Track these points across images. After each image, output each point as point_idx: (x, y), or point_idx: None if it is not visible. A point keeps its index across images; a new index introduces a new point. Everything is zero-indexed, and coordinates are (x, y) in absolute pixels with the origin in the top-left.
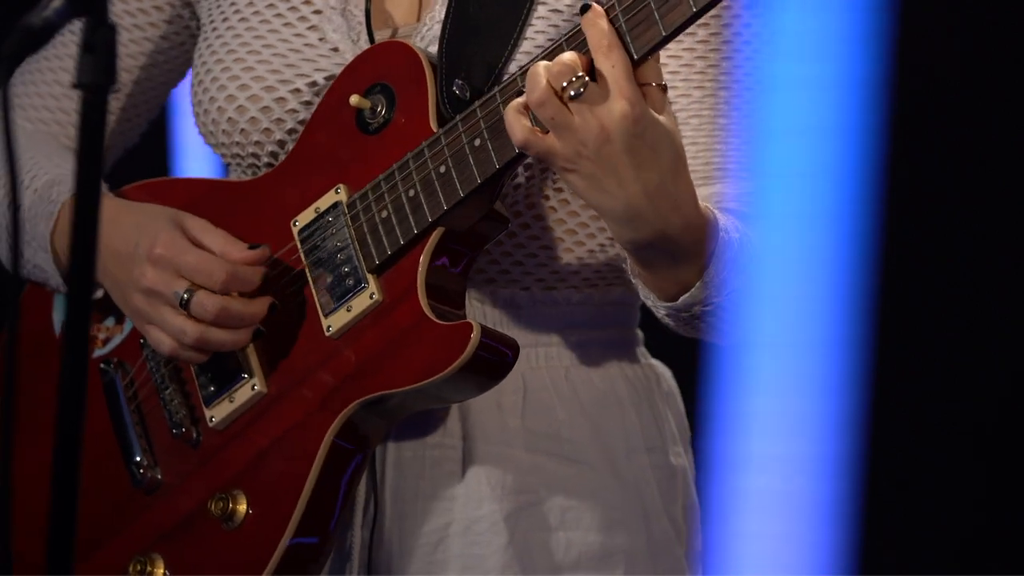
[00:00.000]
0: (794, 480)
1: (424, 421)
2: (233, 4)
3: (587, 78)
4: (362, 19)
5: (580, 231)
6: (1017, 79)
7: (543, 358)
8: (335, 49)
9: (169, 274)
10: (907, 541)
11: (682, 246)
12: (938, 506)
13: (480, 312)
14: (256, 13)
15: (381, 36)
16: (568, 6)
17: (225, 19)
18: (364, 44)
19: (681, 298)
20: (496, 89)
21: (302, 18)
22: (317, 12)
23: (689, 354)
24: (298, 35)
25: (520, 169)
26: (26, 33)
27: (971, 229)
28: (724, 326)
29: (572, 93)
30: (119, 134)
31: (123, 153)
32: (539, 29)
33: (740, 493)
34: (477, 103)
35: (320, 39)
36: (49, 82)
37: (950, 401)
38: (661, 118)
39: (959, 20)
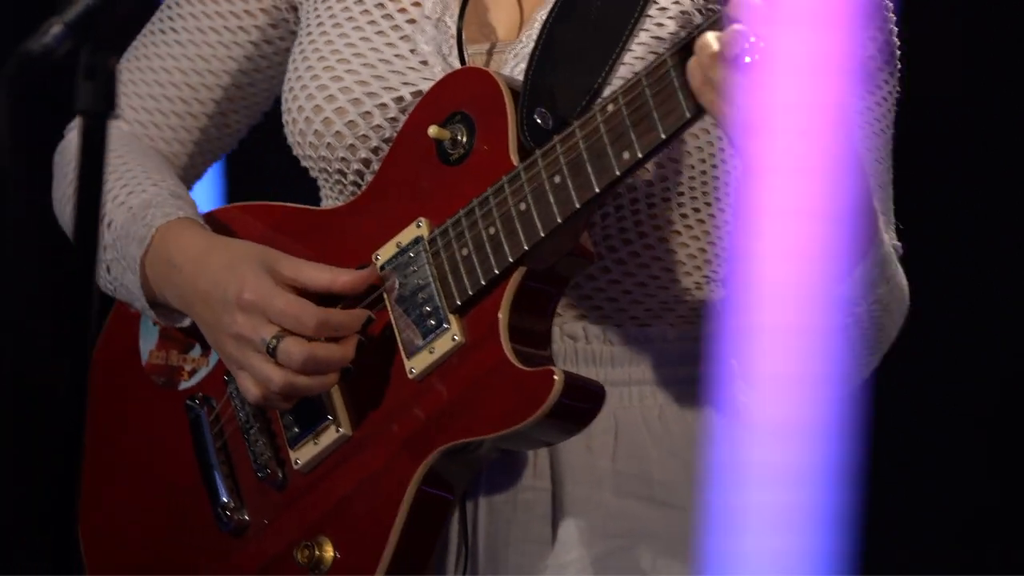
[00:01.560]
0: (795, 487)
1: (515, 462)
2: (330, 9)
3: (762, 44)
4: (455, 32)
5: (677, 268)
6: (1017, 81)
7: (636, 397)
8: (424, 62)
9: (258, 320)
10: (908, 543)
11: (857, 216)
12: (940, 507)
13: (571, 349)
14: (351, 19)
15: (475, 51)
16: (671, 34)
17: (320, 24)
18: (454, 59)
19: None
20: (576, 124)
21: (396, 27)
22: (411, 22)
23: None
24: (390, 44)
25: (615, 204)
26: (25, 59)
27: (971, 229)
28: (861, 343)
29: (747, 60)
30: (217, 139)
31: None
32: (638, 55)
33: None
34: (557, 138)
35: (411, 50)
36: (146, 74)
37: (952, 401)
38: None
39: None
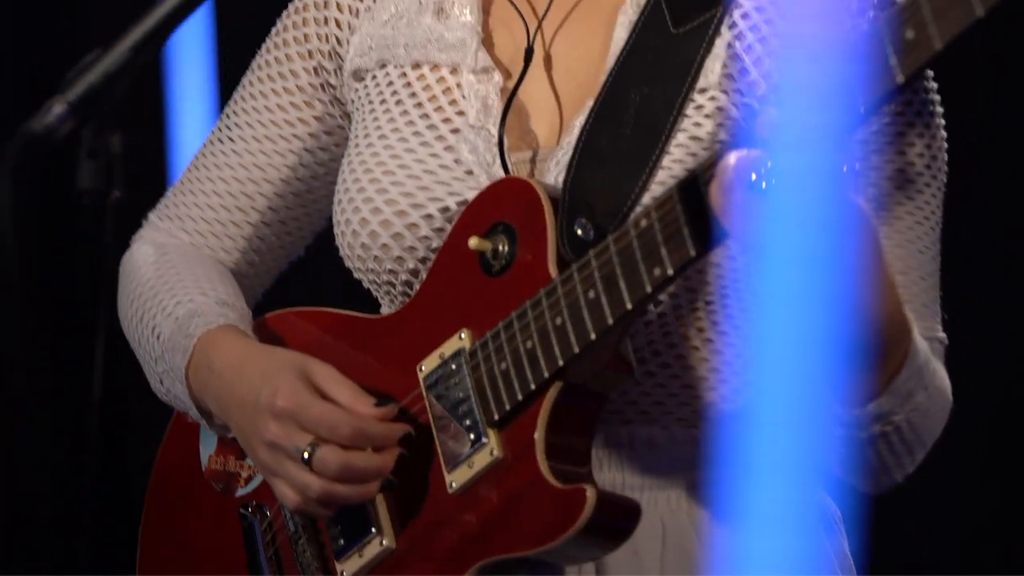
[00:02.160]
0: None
1: (561, 568)
2: (376, 121)
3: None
4: (497, 140)
5: (724, 369)
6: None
7: (683, 500)
8: (469, 172)
9: (292, 427)
10: (913, 543)
11: (884, 337)
12: (945, 508)
13: (615, 455)
14: (396, 130)
15: (518, 159)
16: (710, 134)
17: (367, 136)
18: (497, 168)
19: (871, 404)
20: (611, 238)
21: (440, 137)
22: (455, 131)
23: None
24: (434, 155)
25: (659, 306)
26: (28, 140)
27: (973, 230)
28: (901, 448)
29: (763, 186)
30: (279, 247)
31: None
32: (676, 158)
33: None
34: (592, 252)
35: (455, 161)
36: (204, 184)
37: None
38: None
39: None
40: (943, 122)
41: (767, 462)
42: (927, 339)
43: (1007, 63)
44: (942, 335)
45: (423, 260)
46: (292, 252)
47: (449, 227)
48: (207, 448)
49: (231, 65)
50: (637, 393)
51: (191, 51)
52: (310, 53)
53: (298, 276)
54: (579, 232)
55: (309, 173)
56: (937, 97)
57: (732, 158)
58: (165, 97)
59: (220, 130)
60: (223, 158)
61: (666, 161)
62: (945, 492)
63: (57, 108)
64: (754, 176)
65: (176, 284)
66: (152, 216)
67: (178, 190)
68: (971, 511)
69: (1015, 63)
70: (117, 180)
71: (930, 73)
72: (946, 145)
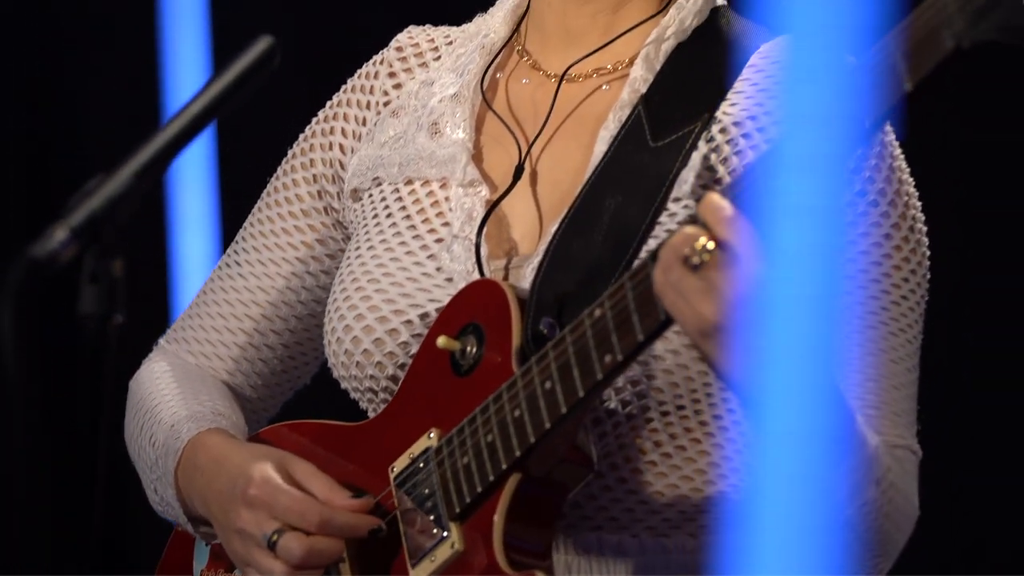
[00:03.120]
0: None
1: None
2: (367, 234)
3: (711, 246)
4: (475, 247)
5: (697, 477)
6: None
7: None
8: (449, 279)
9: (262, 515)
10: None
11: None
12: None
13: (585, 561)
14: (383, 241)
15: (495, 266)
16: None
17: (358, 248)
18: (475, 274)
19: None
20: (566, 330)
21: (424, 247)
22: (439, 241)
23: None
24: (417, 263)
25: (628, 412)
26: (30, 265)
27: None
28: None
29: (696, 262)
30: (282, 371)
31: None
32: None
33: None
34: (550, 344)
35: (437, 268)
36: (211, 307)
37: (963, 400)
38: None
39: None
40: (926, 240)
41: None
42: (899, 447)
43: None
44: (916, 446)
45: (402, 366)
46: (297, 379)
47: None
48: (199, 562)
49: (233, 191)
50: (607, 499)
51: (193, 176)
52: (315, 178)
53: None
54: (544, 331)
55: (312, 297)
56: (920, 213)
57: (672, 238)
58: (167, 222)
59: (229, 255)
60: (229, 282)
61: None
62: (952, 492)
63: (59, 234)
64: (687, 252)
65: (175, 398)
66: (161, 340)
67: (186, 314)
68: (976, 511)
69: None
70: (119, 304)
71: (913, 191)
72: (928, 260)
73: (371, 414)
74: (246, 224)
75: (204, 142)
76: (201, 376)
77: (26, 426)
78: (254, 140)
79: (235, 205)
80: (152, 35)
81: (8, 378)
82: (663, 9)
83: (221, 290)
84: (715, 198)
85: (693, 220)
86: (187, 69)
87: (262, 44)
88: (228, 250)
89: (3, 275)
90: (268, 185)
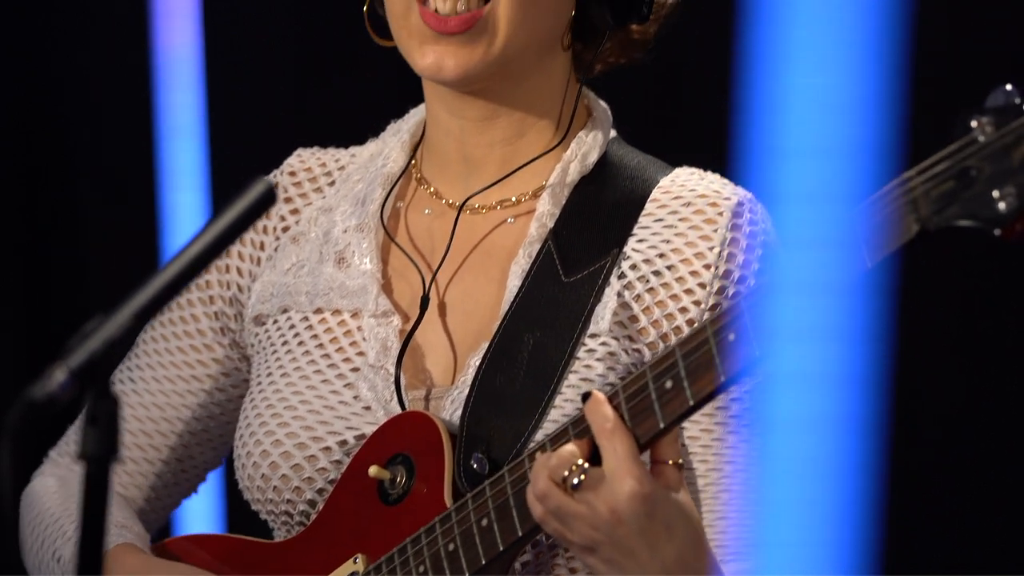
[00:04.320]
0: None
1: None
2: (278, 360)
3: (586, 465)
4: (395, 378)
5: None
6: None
7: None
8: (367, 408)
9: None
10: (928, 542)
11: None
12: (960, 507)
13: None
14: (297, 369)
15: (414, 396)
16: (600, 375)
17: (269, 374)
18: (394, 404)
19: None
20: (505, 469)
21: (340, 375)
22: (355, 370)
23: None
24: (334, 392)
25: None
26: (29, 407)
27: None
28: None
29: (574, 482)
30: (174, 484)
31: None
32: (568, 398)
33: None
34: (487, 482)
35: (354, 397)
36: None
37: (970, 399)
38: (674, 494)
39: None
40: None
41: None
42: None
43: None
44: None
45: (320, 491)
46: (188, 490)
47: (347, 460)
48: None
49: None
50: None
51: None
52: (211, 299)
53: None
54: (475, 466)
55: (206, 413)
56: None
57: (543, 457)
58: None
59: (122, 371)
60: (123, 398)
61: (558, 401)
62: (965, 493)
63: (59, 375)
64: (565, 473)
65: (76, 512)
66: (52, 453)
67: (76, 428)
68: (984, 512)
69: None
70: (119, 446)
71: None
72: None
73: (284, 536)
74: (139, 343)
75: (197, 144)
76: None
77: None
78: (248, 140)
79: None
80: (146, 35)
81: (4, 520)
82: (562, 141)
83: (128, 405)
84: (601, 403)
85: (575, 423)
86: (182, 69)
87: (259, 187)
88: (121, 369)
89: (2, 416)
90: (163, 310)
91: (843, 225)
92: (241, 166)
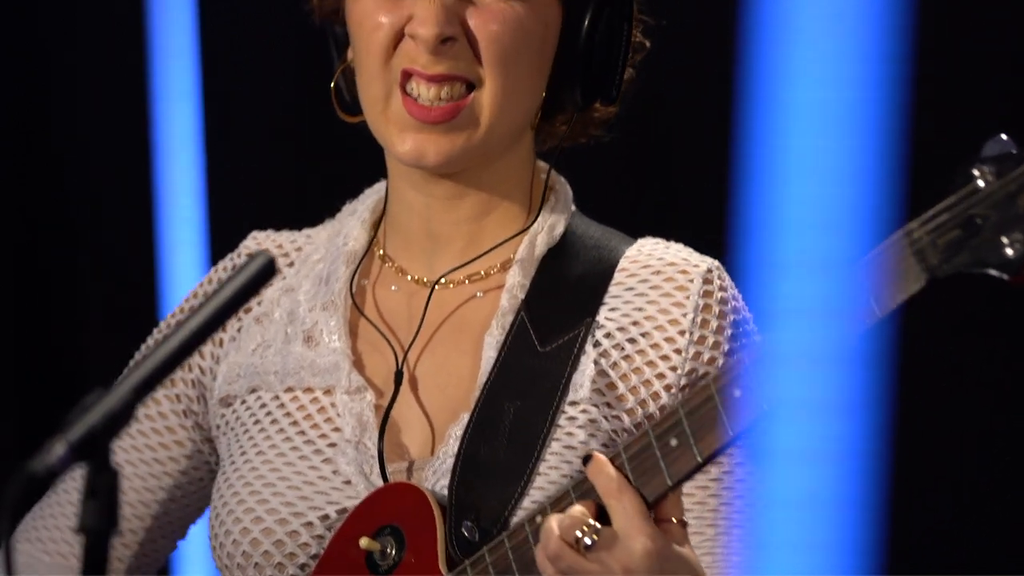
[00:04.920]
0: (818, 477)
1: None
2: (252, 439)
3: (598, 525)
4: (375, 452)
5: None
6: None
7: None
8: (348, 482)
9: None
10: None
11: None
12: (965, 506)
13: None
14: (273, 447)
15: (395, 469)
16: (582, 442)
17: (243, 452)
18: (376, 477)
19: None
20: (504, 535)
21: (317, 451)
22: (332, 445)
23: None
24: (312, 467)
25: None
26: (29, 480)
27: None
28: None
29: (587, 543)
30: (136, 567)
31: None
32: (552, 465)
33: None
34: (486, 548)
35: (333, 472)
36: (64, 507)
37: (976, 399)
38: (683, 550)
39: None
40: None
41: None
42: None
43: None
44: None
45: (303, 567)
46: (156, 563)
47: (329, 534)
48: None
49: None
50: None
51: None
52: (172, 382)
53: None
54: (465, 534)
55: (167, 496)
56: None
57: (554, 520)
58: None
59: None
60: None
61: (542, 468)
62: (970, 492)
63: (58, 448)
64: (578, 534)
65: None
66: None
67: (36, 515)
68: (991, 512)
69: None
70: (117, 519)
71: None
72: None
73: None
74: None
75: (192, 144)
76: (63, 571)
77: None
78: (246, 142)
79: (225, 205)
80: (141, 36)
81: None
82: (527, 218)
83: (76, 490)
84: (605, 465)
85: (576, 486)
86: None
87: (259, 260)
88: None
89: (1, 489)
90: None
91: (849, 280)
92: (239, 173)
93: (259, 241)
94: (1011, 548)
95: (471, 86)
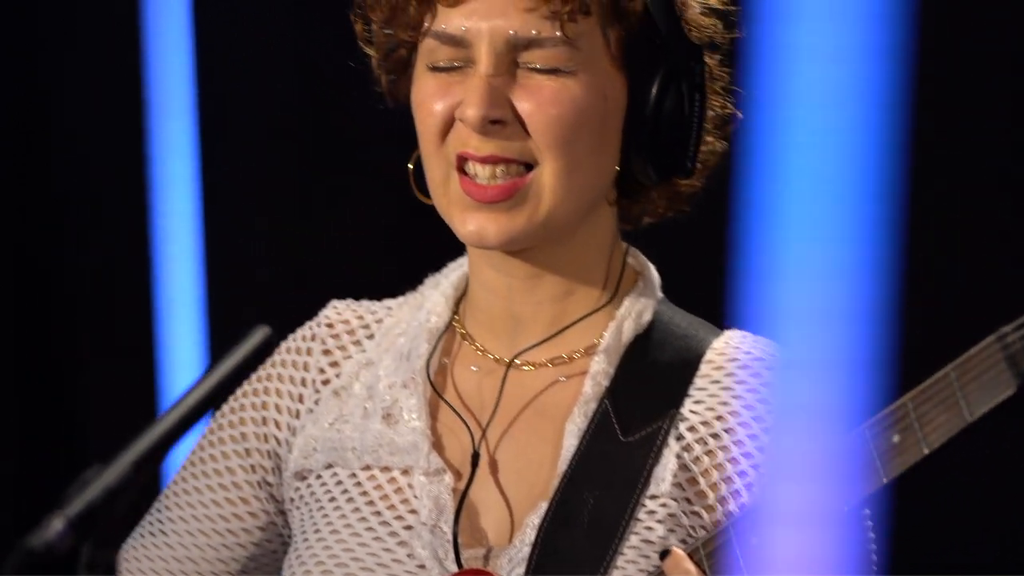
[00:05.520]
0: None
1: None
2: (326, 516)
3: None
4: (451, 537)
5: None
6: None
7: None
8: (422, 566)
9: None
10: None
11: None
12: (965, 506)
13: None
14: (348, 526)
15: (470, 555)
16: (661, 538)
17: (317, 530)
18: (451, 563)
19: None
20: None
21: (392, 533)
22: (408, 528)
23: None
24: (387, 550)
25: None
26: (27, 556)
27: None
28: None
29: None
30: None
31: None
32: (630, 559)
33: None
34: None
35: (408, 555)
36: None
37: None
38: None
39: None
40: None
41: None
42: None
43: None
44: None
45: None
46: None
47: None
48: None
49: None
50: None
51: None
52: (247, 452)
53: None
54: None
55: (239, 567)
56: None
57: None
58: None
59: (152, 523)
60: (155, 551)
61: (620, 561)
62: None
63: (56, 524)
64: None
65: None
66: None
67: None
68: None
69: None
70: None
71: None
72: None
73: None
74: (169, 492)
75: (190, 144)
76: None
77: None
78: (245, 144)
79: (224, 206)
80: (139, 37)
81: None
82: (611, 300)
83: (147, 558)
84: (683, 560)
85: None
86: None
87: (259, 335)
88: (152, 513)
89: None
90: (195, 451)
91: (853, 443)
92: (236, 181)
93: (339, 310)
94: (1011, 548)
95: (529, 165)
